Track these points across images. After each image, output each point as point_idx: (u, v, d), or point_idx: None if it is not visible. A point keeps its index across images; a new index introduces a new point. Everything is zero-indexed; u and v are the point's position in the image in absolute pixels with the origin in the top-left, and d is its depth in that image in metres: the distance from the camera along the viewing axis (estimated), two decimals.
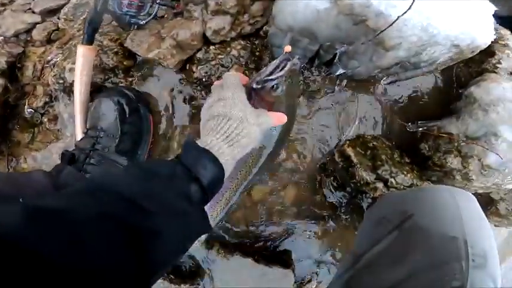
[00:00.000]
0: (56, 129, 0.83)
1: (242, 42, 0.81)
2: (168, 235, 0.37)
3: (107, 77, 0.78)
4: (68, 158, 0.66)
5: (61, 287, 0.27)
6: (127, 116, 0.72)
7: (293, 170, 0.87)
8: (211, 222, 0.68)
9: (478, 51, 0.62)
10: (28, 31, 0.85)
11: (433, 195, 0.58)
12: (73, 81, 0.74)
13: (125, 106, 0.72)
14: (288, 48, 0.56)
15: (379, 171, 0.81)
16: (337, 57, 0.73)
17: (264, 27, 0.79)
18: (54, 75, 0.77)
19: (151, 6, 0.75)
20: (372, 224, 0.66)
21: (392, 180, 0.81)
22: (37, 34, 0.85)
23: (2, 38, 0.85)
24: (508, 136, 0.67)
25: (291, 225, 0.91)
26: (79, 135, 0.74)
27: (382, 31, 0.52)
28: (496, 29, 0.74)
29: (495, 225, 1.00)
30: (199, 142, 0.46)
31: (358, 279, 0.58)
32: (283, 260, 0.91)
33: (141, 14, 0.74)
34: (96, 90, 0.78)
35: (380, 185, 0.81)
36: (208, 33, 0.77)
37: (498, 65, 0.71)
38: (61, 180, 0.62)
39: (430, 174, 0.84)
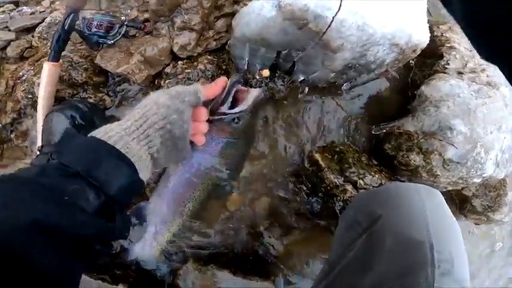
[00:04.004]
0: (24, 146, 0.83)
1: (209, 57, 0.85)
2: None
3: (75, 92, 0.81)
4: None
5: None
6: (80, 129, 0.71)
7: (265, 179, 0.87)
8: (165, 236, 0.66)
9: (419, 50, 0.66)
10: (3, 48, 0.88)
11: (399, 194, 0.57)
12: None
13: (79, 119, 0.71)
14: (266, 71, 0.58)
15: (347, 174, 0.82)
16: (296, 65, 0.78)
17: (229, 42, 0.84)
18: (23, 90, 0.79)
19: (120, 27, 0.78)
20: (344, 228, 0.65)
21: (361, 181, 0.82)
22: (11, 51, 0.87)
23: None
24: (462, 129, 0.70)
25: (267, 235, 0.90)
26: None
27: (324, 33, 0.57)
28: (441, 33, 0.80)
29: (475, 224, 0.99)
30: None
31: None
32: (262, 271, 0.89)
33: (110, 34, 0.77)
34: None
35: (349, 187, 0.82)
36: (176, 49, 0.81)
37: (447, 66, 0.76)
38: None
39: (399, 174, 0.85)
